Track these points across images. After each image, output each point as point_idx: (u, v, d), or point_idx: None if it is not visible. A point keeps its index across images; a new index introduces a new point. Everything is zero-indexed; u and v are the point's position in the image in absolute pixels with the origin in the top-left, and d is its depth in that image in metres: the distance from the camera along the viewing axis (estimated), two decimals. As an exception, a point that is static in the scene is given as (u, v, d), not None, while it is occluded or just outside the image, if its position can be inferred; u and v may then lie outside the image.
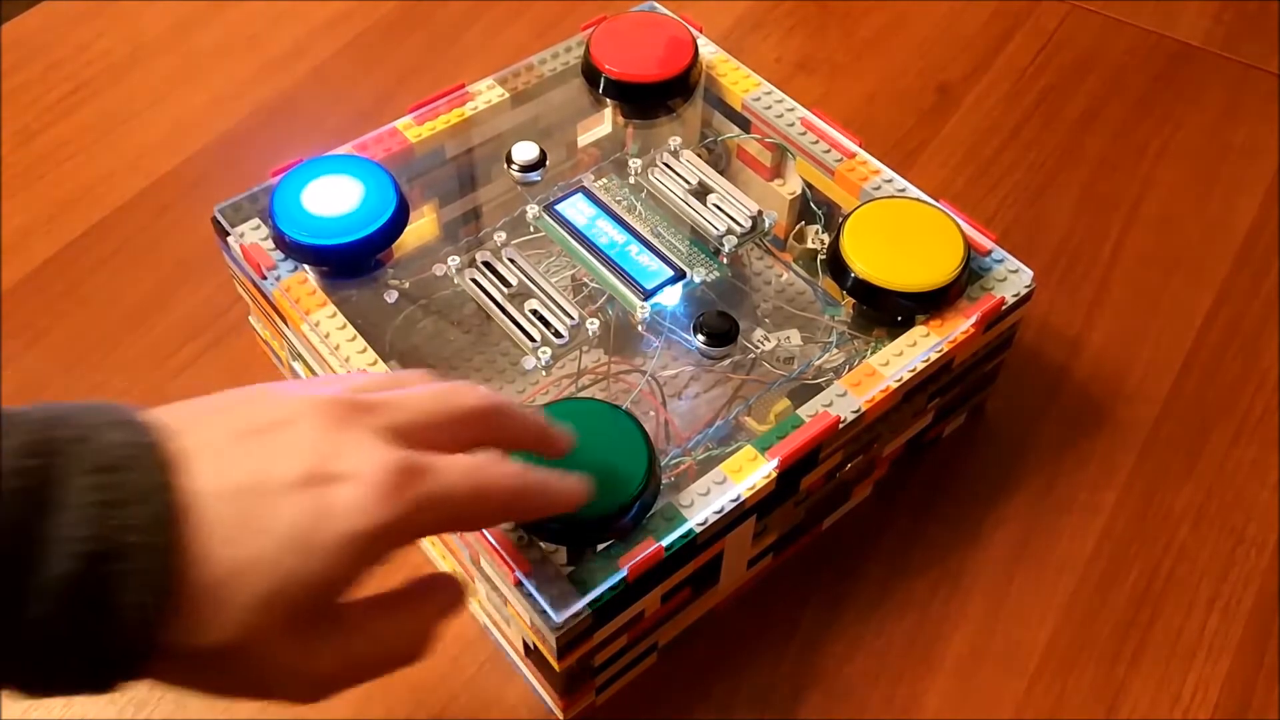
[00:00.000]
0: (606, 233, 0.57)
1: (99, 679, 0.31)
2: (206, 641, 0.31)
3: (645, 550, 0.45)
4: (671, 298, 0.55)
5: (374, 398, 0.36)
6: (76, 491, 0.30)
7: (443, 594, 0.40)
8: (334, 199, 0.54)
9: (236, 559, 0.31)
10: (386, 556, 0.34)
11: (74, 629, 0.30)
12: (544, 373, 0.54)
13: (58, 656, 0.30)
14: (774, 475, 0.48)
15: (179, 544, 0.31)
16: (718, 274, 0.57)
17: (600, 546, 0.46)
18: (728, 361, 0.55)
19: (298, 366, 0.58)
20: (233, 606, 0.31)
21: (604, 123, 0.66)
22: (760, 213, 0.58)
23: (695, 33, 0.64)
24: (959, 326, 0.52)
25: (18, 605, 0.29)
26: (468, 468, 0.36)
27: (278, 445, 0.33)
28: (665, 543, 0.46)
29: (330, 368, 0.52)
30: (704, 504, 0.47)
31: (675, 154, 0.60)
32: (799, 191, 0.62)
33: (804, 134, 0.60)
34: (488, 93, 0.62)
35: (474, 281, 0.55)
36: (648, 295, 0.55)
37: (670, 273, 0.56)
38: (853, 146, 0.60)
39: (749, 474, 0.48)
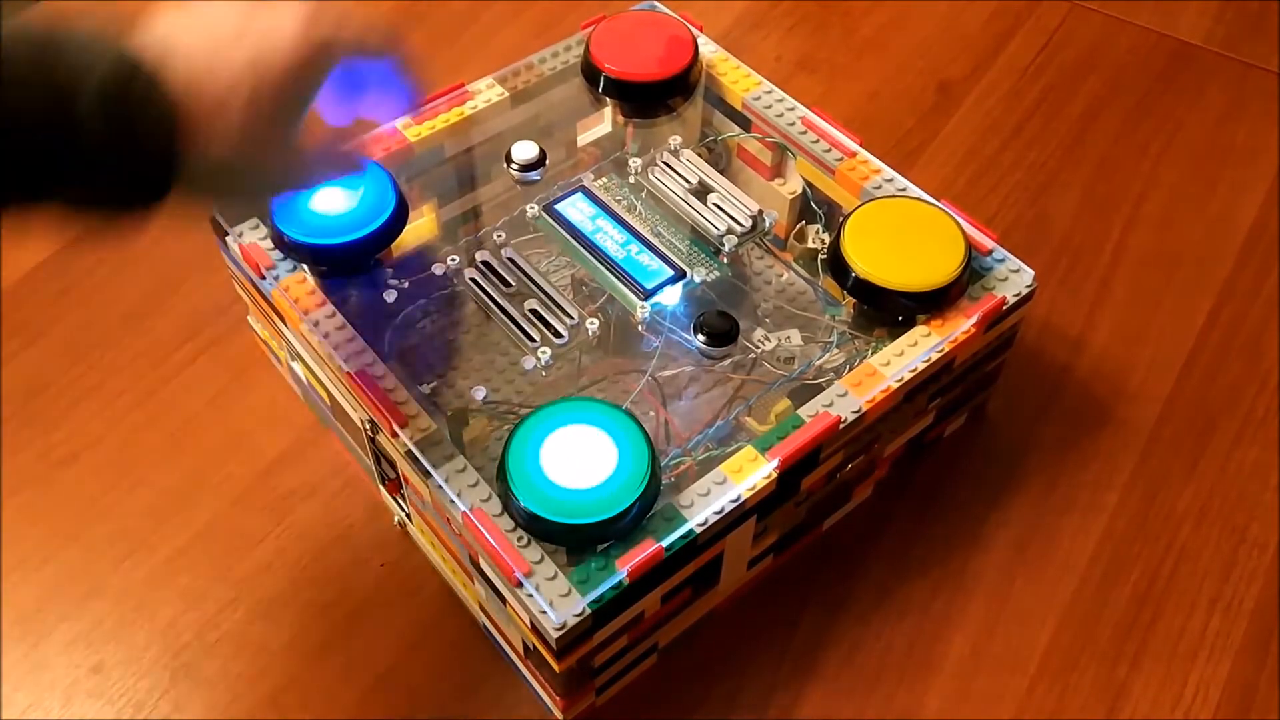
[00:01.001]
0: (606, 232, 0.57)
1: (149, 186, 0.41)
2: (219, 150, 0.41)
3: (645, 551, 0.45)
4: (671, 297, 0.55)
5: None
6: (89, 38, 0.40)
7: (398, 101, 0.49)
8: (333, 199, 0.54)
9: (220, 82, 0.41)
10: (325, 74, 0.44)
11: (119, 138, 0.39)
12: (544, 373, 0.53)
13: (114, 167, 0.40)
14: (774, 476, 0.48)
15: (172, 72, 0.40)
16: (718, 274, 0.56)
17: (600, 547, 0.45)
18: (728, 361, 0.55)
19: (297, 366, 0.58)
20: (233, 112, 0.41)
21: (604, 122, 0.66)
22: (761, 212, 0.58)
23: (695, 32, 0.64)
24: (960, 326, 0.52)
25: (74, 125, 0.38)
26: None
27: (215, 10, 0.42)
28: (665, 543, 0.45)
29: (330, 368, 0.51)
30: (704, 504, 0.47)
31: (675, 153, 0.60)
32: (799, 191, 0.61)
33: (804, 133, 0.60)
34: (487, 91, 0.62)
35: (474, 281, 0.55)
36: (648, 295, 0.55)
37: (670, 272, 0.56)
38: (853, 146, 0.59)
39: (749, 474, 0.48)
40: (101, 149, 0.39)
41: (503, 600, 0.47)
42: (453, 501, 0.47)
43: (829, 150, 0.59)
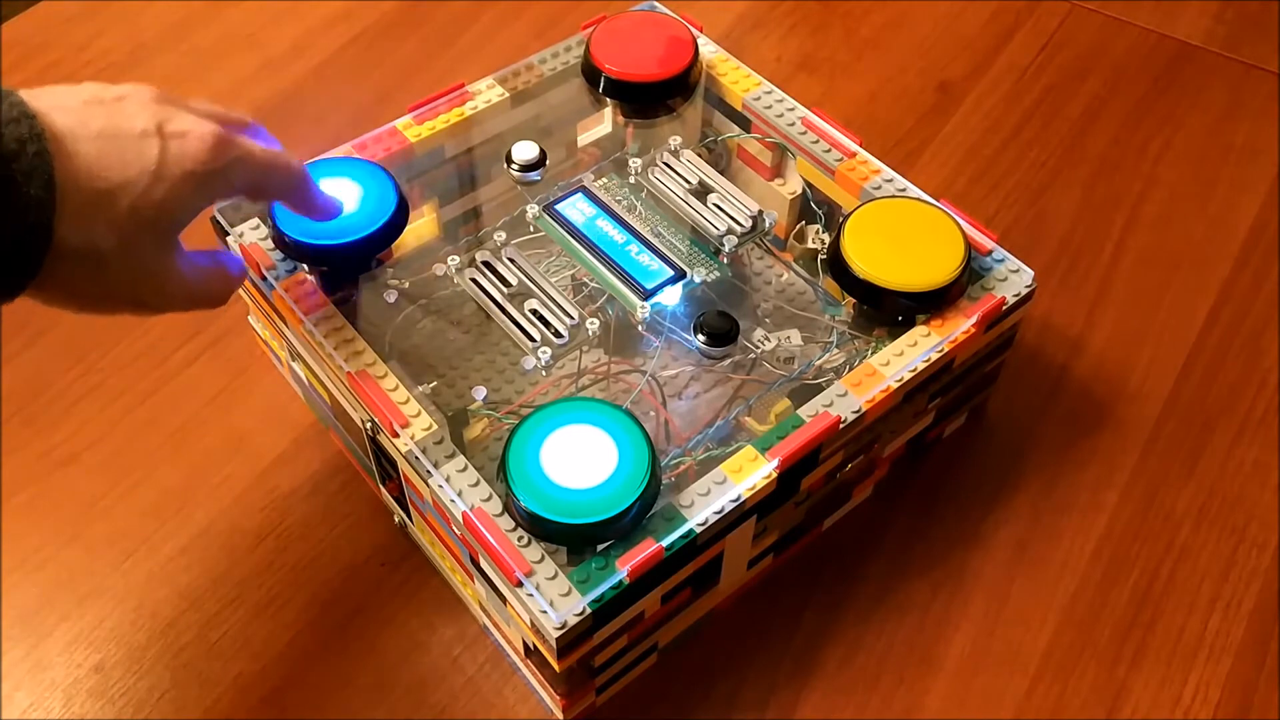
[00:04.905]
0: (606, 232, 0.57)
1: (8, 269, 0.39)
2: (95, 243, 0.41)
3: (645, 550, 0.45)
4: (672, 298, 0.55)
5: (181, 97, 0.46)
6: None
7: (235, 264, 0.50)
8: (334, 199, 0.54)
9: (109, 180, 0.40)
10: (211, 199, 0.45)
11: None
12: (544, 373, 0.53)
13: None
14: (774, 475, 0.48)
15: (57, 157, 0.39)
16: (718, 274, 0.57)
17: (600, 547, 0.45)
18: (728, 361, 0.55)
19: (297, 366, 0.58)
20: (111, 216, 0.41)
21: (604, 122, 0.66)
22: (761, 212, 0.58)
23: (695, 32, 0.64)
24: (960, 326, 0.52)
25: None
26: (265, 147, 0.47)
27: (122, 109, 0.42)
28: (665, 543, 0.45)
29: (331, 368, 0.52)
30: (704, 504, 0.47)
31: (675, 153, 0.60)
32: (799, 191, 0.61)
33: (804, 133, 0.60)
34: (487, 92, 0.62)
35: (474, 281, 0.55)
36: (648, 295, 0.55)
37: (670, 272, 0.56)
38: (853, 146, 0.59)
39: (749, 474, 0.48)
40: None
41: (503, 600, 0.47)
42: (453, 501, 0.47)
43: (829, 150, 0.59)
